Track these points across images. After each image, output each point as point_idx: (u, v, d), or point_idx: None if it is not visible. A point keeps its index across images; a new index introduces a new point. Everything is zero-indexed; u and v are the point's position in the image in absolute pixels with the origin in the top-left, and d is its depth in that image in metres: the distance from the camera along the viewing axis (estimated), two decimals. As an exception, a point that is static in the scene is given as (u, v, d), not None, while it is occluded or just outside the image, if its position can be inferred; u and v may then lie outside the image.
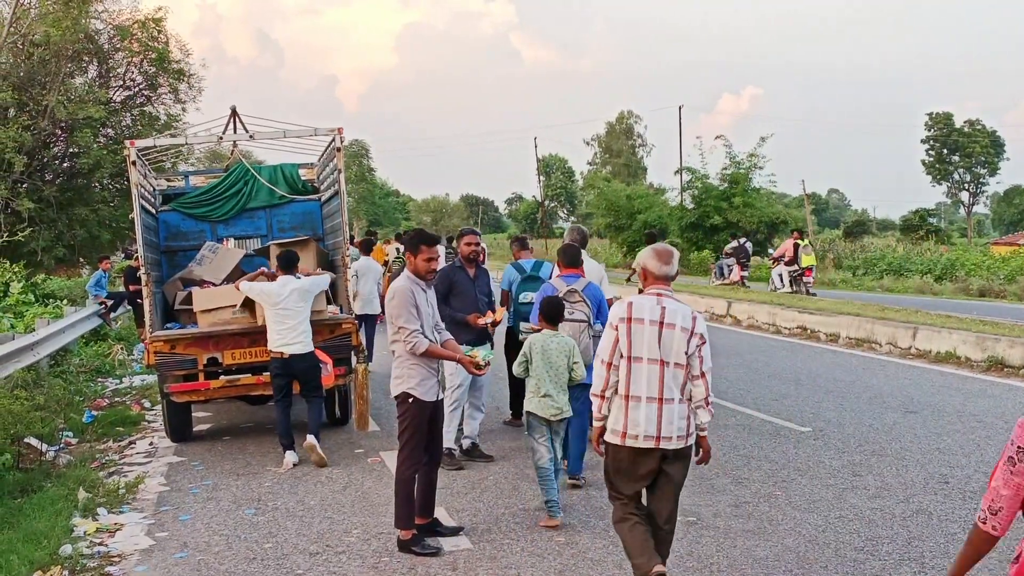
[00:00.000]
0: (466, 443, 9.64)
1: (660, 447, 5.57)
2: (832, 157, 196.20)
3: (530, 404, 7.69)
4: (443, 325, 7.50)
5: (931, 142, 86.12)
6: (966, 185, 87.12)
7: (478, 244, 9.61)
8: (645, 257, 5.76)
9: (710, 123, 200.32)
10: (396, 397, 7.16)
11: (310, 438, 9.66)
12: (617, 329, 5.64)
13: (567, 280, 8.60)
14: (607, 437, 5.72)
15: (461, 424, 9.59)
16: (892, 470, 8.87)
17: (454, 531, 7.33)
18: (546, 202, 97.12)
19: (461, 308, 9.17)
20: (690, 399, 5.69)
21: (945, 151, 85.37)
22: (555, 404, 7.58)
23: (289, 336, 9.58)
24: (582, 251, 9.12)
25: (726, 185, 48.99)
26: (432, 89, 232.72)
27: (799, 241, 29.74)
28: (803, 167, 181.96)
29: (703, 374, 5.69)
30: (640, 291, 5.83)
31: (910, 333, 16.58)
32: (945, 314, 19.10)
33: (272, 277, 10.00)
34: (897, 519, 7.46)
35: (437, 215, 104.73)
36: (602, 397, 5.70)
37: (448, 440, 9.31)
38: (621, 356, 5.63)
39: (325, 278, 10.44)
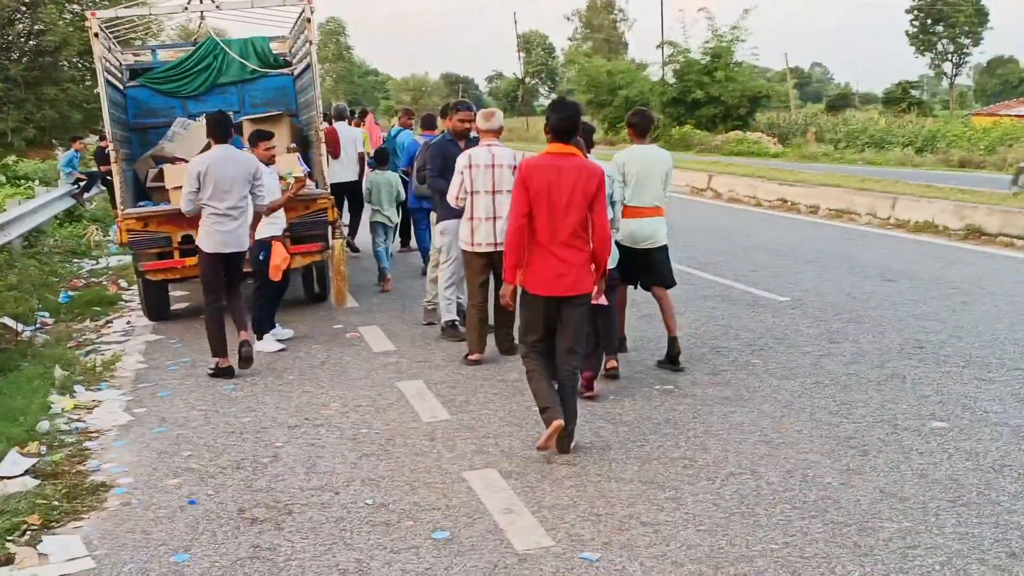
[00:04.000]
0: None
1: (496, 250, 8.08)
2: (815, 29, 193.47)
3: (376, 216, 12.34)
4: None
5: (915, 12, 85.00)
6: (949, 56, 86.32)
7: (472, 120, 9.27)
8: (478, 119, 8.57)
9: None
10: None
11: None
12: (463, 174, 8.26)
13: (426, 138, 11.63)
14: (463, 247, 8.53)
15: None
16: (868, 337, 8.92)
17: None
18: (527, 79, 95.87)
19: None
20: None
21: (929, 21, 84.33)
22: (385, 214, 12.33)
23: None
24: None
25: (708, 59, 48.51)
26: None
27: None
28: (786, 40, 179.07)
29: None
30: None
31: (889, 203, 16.56)
32: (925, 184, 19.07)
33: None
34: (872, 383, 7.51)
35: (416, 94, 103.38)
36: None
37: (451, 313, 9.32)
38: (466, 192, 8.24)
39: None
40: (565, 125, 6.16)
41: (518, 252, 6.13)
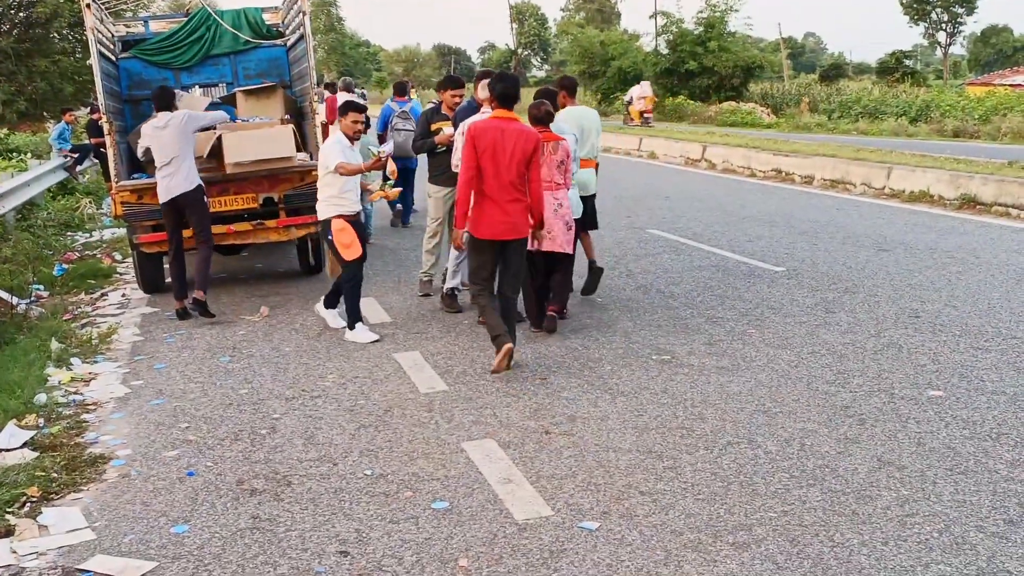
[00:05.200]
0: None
1: None
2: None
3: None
4: None
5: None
6: (943, 25, 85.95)
7: None
8: (479, 87, 8.84)
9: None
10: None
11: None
12: (459, 139, 8.54)
13: (400, 104, 13.94)
14: None
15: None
16: (864, 306, 8.93)
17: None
18: (519, 50, 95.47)
19: None
20: None
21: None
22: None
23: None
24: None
25: (701, 30, 48.27)
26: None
27: None
28: (780, 10, 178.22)
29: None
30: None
31: (884, 173, 16.55)
32: (919, 154, 19.05)
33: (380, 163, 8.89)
34: (868, 353, 7.53)
35: (409, 65, 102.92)
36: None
37: (454, 280, 9.34)
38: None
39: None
40: (511, 92, 7.38)
41: (467, 203, 7.31)
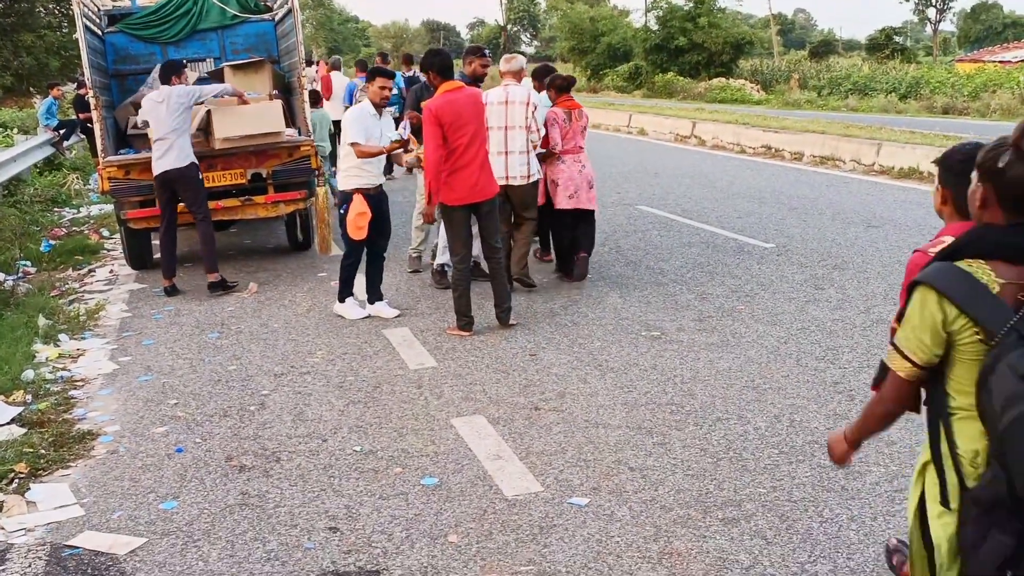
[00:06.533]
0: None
1: (507, 183, 8.52)
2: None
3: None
4: None
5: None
6: (933, 2, 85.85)
7: (488, 65, 9.35)
8: (500, 62, 9.05)
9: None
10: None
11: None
12: None
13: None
14: None
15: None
16: (853, 283, 8.94)
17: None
18: (508, 26, 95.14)
19: None
20: (531, 150, 8.65)
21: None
22: (321, 144, 12.05)
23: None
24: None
25: (691, 6, 48.18)
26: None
27: None
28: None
29: (537, 130, 8.62)
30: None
31: (874, 150, 16.55)
32: (909, 130, 19.04)
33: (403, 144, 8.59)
34: (857, 329, 7.54)
35: (397, 41, 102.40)
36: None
37: (445, 255, 9.24)
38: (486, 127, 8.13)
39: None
40: (448, 63, 7.78)
41: (438, 180, 7.49)
